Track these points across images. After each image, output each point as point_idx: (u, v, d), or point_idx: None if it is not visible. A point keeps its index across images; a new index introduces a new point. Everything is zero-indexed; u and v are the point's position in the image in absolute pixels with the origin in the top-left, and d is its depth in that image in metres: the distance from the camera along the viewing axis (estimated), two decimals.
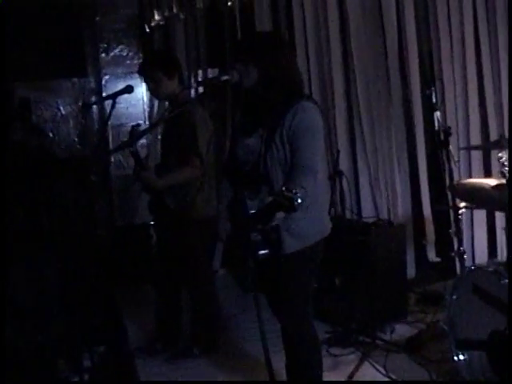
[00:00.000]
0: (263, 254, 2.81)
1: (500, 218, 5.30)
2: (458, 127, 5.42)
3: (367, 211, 5.46)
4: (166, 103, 4.75)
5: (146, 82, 4.37)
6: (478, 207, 4.89)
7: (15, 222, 4.46)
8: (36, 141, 4.64)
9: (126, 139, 4.16)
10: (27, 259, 4.42)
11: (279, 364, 3.23)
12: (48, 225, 4.50)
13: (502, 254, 5.38)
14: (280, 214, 2.69)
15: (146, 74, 4.31)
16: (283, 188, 2.58)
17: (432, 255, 5.67)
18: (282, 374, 3.31)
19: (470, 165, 5.48)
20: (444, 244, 5.49)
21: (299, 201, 2.55)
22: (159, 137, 5.24)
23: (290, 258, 3.02)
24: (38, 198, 4.47)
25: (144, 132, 5.37)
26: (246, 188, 2.98)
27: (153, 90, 4.34)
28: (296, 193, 2.54)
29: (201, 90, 4.98)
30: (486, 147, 5.34)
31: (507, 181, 3.58)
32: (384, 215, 5.43)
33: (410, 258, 5.44)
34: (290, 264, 3.05)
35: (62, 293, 4.47)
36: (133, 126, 4.11)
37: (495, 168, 5.26)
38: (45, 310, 4.33)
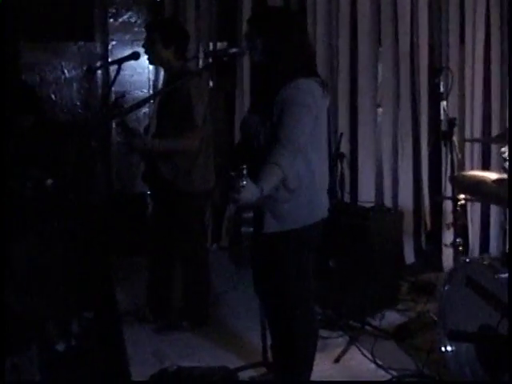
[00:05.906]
0: (245, 232, 2.82)
1: (496, 212, 5.28)
2: (462, 119, 5.38)
3: (366, 196, 5.43)
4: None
5: (144, 44, 4.30)
6: (477, 200, 4.87)
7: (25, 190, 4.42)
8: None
9: (127, 106, 4.09)
10: (34, 226, 4.39)
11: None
12: (55, 192, 4.46)
13: (496, 249, 5.34)
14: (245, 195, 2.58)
15: (146, 34, 4.27)
16: (241, 167, 2.55)
17: (425, 245, 5.66)
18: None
19: (471, 157, 5.45)
20: (438, 235, 5.49)
21: (244, 183, 2.53)
22: None
23: (270, 239, 2.95)
24: (46, 165, 4.43)
25: (141, 103, 5.29)
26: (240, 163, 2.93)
27: (146, 50, 4.25)
28: (239, 174, 2.52)
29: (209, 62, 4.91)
30: (490, 141, 5.30)
31: (508, 176, 3.56)
32: (384, 202, 5.41)
33: (409, 246, 5.43)
34: (271, 244, 2.98)
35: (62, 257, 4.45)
36: (116, 98, 4.11)
37: (494, 161, 5.24)
38: (44, 274, 4.31)
